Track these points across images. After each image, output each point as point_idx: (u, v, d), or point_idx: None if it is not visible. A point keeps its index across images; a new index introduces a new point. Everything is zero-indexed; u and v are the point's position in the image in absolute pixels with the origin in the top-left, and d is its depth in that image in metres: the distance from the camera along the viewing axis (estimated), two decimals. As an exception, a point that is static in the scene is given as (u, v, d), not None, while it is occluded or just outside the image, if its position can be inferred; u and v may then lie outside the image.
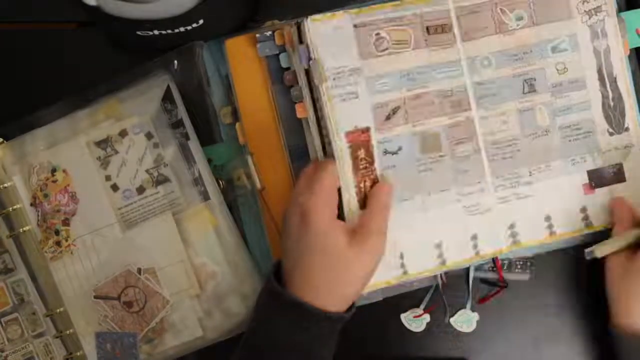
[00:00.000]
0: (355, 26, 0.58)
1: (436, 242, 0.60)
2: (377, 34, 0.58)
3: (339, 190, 0.57)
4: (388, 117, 0.59)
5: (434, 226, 0.60)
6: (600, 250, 0.57)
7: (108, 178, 0.64)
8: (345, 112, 0.58)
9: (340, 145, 0.57)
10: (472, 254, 0.61)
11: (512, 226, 0.61)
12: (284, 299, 0.53)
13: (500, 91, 0.61)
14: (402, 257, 0.59)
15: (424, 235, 0.60)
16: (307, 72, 0.58)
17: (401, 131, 0.59)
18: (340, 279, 0.53)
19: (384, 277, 0.59)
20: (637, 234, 0.58)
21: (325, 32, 0.57)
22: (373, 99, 0.58)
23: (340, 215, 0.57)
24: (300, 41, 0.58)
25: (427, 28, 0.59)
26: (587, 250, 0.58)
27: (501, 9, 0.61)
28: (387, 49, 0.59)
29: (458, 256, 0.60)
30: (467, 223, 0.60)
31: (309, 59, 0.57)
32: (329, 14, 0.58)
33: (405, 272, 0.60)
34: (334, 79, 0.57)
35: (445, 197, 0.60)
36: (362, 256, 0.53)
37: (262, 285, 0.57)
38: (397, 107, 0.59)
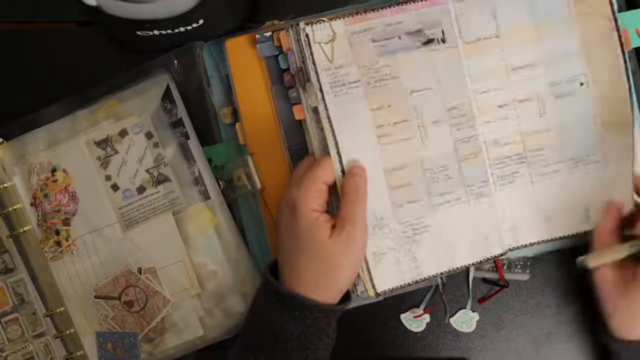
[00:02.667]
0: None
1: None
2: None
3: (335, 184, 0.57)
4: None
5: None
6: (592, 261, 0.54)
7: (108, 178, 0.64)
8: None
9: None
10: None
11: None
12: (278, 292, 0.54)
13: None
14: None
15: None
16: (304, 75, 0.58)
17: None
18: (325, 270, 0.54)
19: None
20: (636, 247, 0.55)
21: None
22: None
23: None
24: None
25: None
26: (579, 258, 0.55)
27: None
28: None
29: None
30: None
31: (295, 65, 0.57)
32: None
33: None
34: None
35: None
36: (341, 246, 0.54)
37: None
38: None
